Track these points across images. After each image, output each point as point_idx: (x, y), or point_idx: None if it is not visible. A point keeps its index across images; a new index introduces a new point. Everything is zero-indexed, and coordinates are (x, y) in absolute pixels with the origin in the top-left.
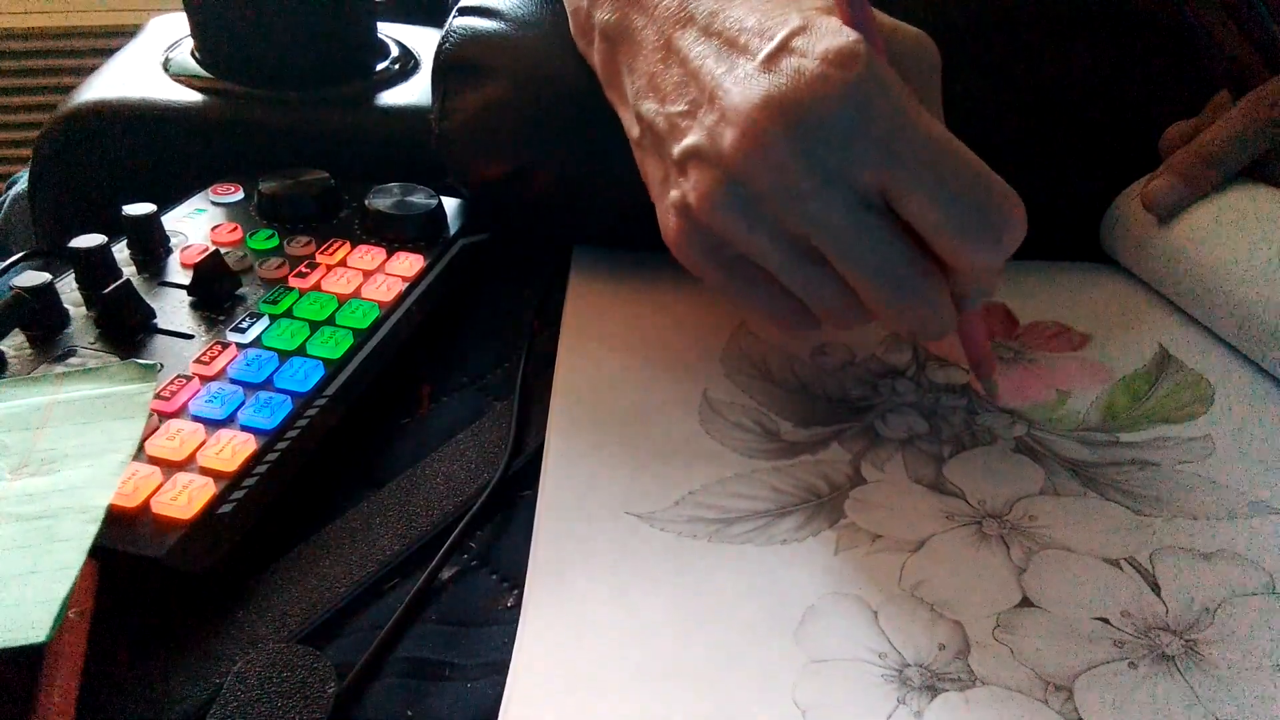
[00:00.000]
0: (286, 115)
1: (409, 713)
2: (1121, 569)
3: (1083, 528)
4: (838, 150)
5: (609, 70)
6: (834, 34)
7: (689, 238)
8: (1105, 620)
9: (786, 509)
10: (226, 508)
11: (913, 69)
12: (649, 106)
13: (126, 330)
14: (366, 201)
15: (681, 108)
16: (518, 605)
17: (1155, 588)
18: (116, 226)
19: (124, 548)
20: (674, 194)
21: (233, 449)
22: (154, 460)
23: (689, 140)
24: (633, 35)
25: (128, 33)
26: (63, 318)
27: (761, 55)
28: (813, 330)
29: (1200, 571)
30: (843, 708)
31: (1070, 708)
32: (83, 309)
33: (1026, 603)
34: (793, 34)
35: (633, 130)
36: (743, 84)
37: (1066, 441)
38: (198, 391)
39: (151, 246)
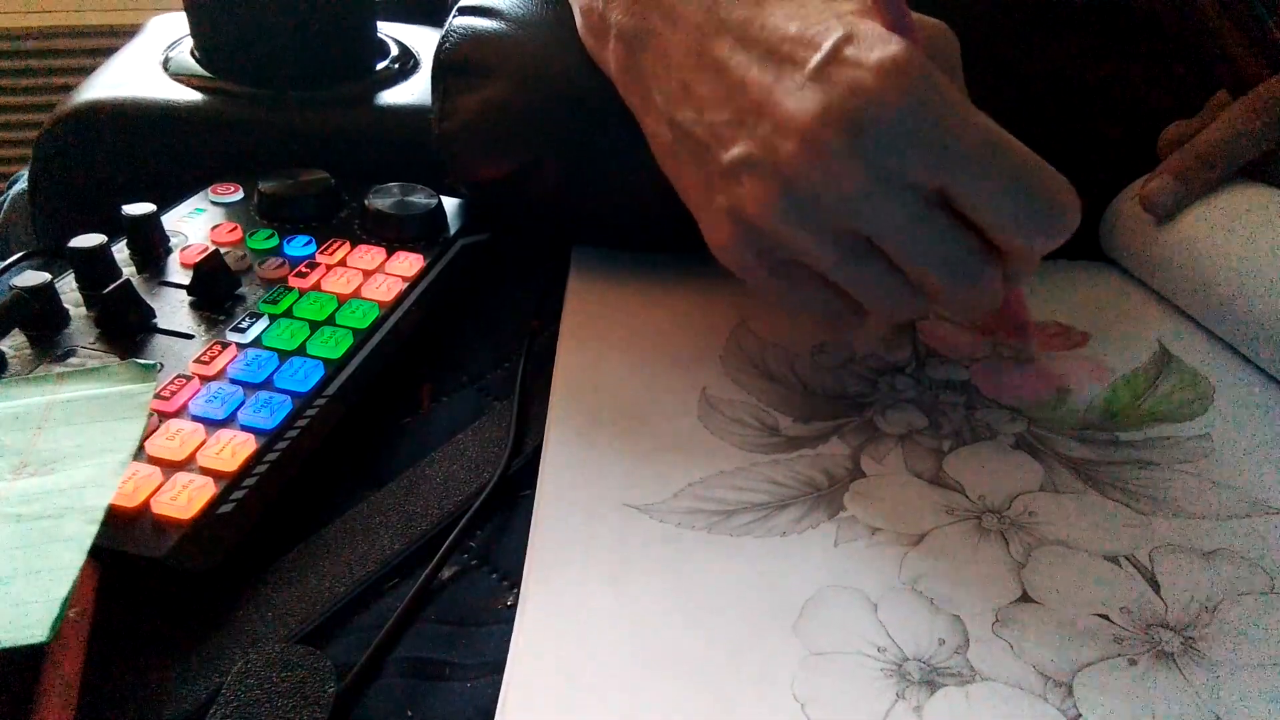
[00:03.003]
0: (286, 115)
1: (409, 713)
2: (1121, 566)
3: (1082, 524)
4: (896, 156)
5: (628, 74)
6: (883, 42)
7: (741, 244)
8: (1105, 617)
9: (785, 501)
10: (226, 508)
11: (940, 60)
12: (687, 115)
13: (126, 330)
14: (366, 201)
15: (725, 117)
16: (517, 604)
17: (1155, 585)
18: (116, 226)
19: (124, 548)
20: (722, 200)
21: (233, 449)
22: (154, 460)
23: (739, 150)
24: (657, 41)
25: (128, 33)
26: (63, 318)
27: (811, 66)
28: (858, 326)
29: (1200, 570)
30: (842, 701)
31: (1070, 704)
32: (83, 309)
33: (1026, 598)
34: (841, 43)
35: (663, 136)
36: (796, 95)
37: (1066, 440)
38: (198, 391)
39: (151, 246)
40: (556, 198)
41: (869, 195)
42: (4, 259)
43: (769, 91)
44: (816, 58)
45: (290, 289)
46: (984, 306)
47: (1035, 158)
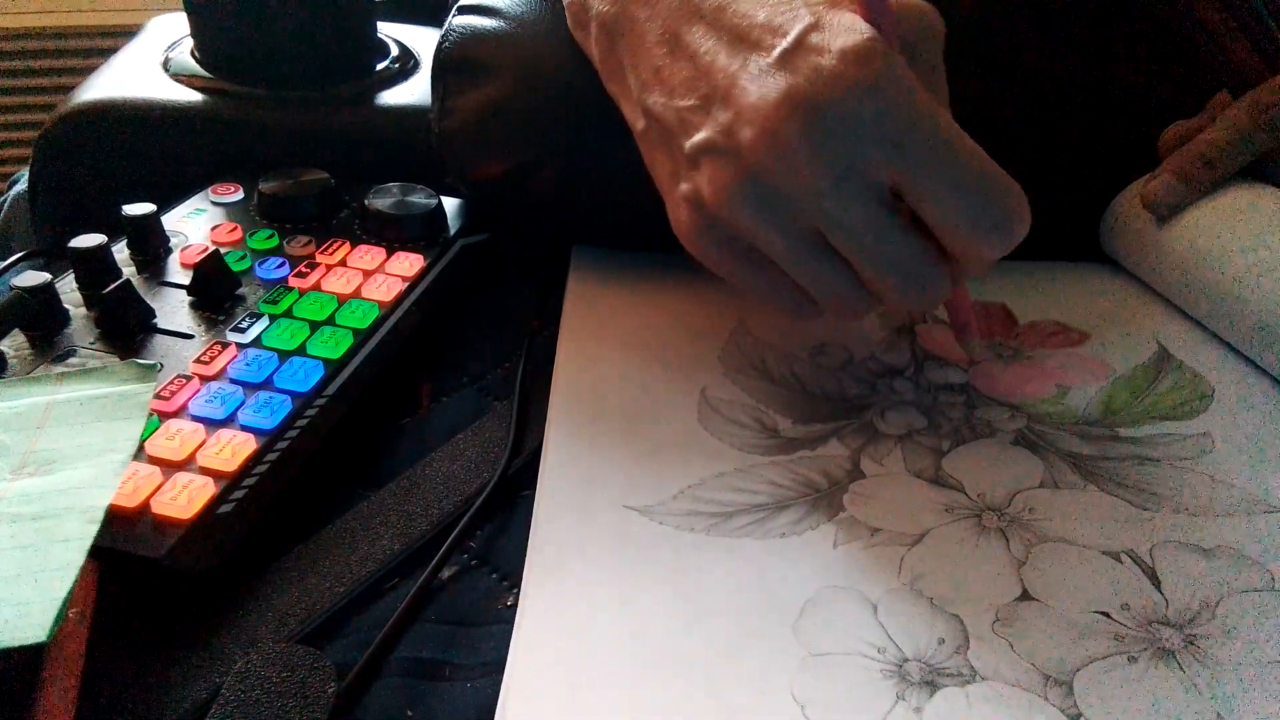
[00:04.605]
0: (286, 115)
1: (409, 713)
2: (1121, 562)
3: (1083, 521)
4: (854, 147)
5: (609, 62)
6: (849, 31)
7: (700, 230)
8: (1105, 614)
9: (785, 503)
10: (226, 508)
11: (919, 42)
12: (656, 100)
13: (126, 330)
14: (366, 201)
15: (691, 102)
16: (517, 604)
17: (1155, 581)
18: (116, 226)
19: (124, 548)
20: (685, 187)
21: (232, 449)
22: (154, 460)
23: (702, 135)
24: (634, 28)
25: (128, 33)
26: (63, 318)
27: (777, 52)
28: (814, 319)
29: (1200, 566)
30: (842, 703)
31: (1070, 703)
32: (83, 309)
33: (1026, 596)
34: (807, 30)
35: (637, 123)
36: (758, 81)
37: (1066, 435)
38: (198, 391)
39: (151, 246)
40: (556, 196)
41: (825, 188)
42: (4, 259)
43: (733, 77)
44: (782, 44)
45: (290, 289)
46: (927, 308)
47: (990, 162)
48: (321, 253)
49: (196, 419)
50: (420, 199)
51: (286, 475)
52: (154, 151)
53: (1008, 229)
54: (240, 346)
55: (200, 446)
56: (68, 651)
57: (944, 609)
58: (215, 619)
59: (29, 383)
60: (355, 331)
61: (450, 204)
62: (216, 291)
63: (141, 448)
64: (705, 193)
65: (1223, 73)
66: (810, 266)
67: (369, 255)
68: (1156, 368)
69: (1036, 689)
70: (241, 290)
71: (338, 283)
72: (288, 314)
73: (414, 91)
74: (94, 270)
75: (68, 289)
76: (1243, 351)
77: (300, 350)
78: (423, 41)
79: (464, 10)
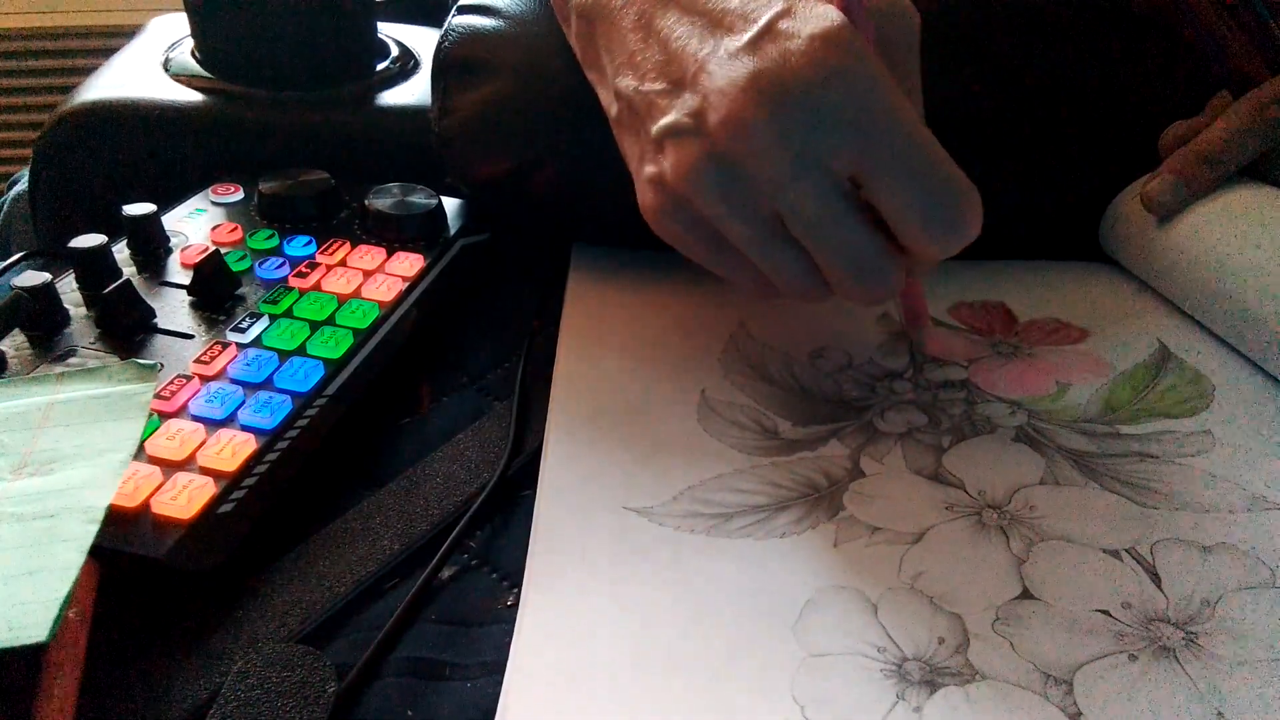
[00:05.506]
0: (286, 115)
1: (409, 713)
2: (1122, 560)
3: (1083, 518)
4: (818, 135)
5: (587, 50)
6: (819, 18)
7: (664, 211)
8: (1106, 612)
9: (785, 503)
10: (227, 507)
11: (894, 36)
12: (627, 83)
13: (126, 330)
14: (366, 201)
15: (661, 86)
16: (517, 604)
17: (1156, 579)
18: (116, 226)
19: (124, 548)
20: (650, 169)
21: (233, 449)
22: (154, 460)
23: (668, 118)
24: (610, 14)
25: (128, 33)
26: (63, 318)
27: (746, 37)
28: (774, 299)
29: (1201, 564)
30: (842, 703)
31: (1070, 701)
32: (83, 309)
33: (1026, 594)
34: (778, 17)
35: (611, 108)
36: (726, 66)
37: (1066, 431)
38: (198, 391)
39: (152, 246)
40: (556, 195)
41: (786, 176)
42: (4, 259)
43: (702, 62)
44: (752, 30)
45: (290, 289)
46: (878, 300)
47: (950, 162)
48: (321, 253)
49: (197, 419)
50: (420, 199)
51: (286, 475)
52: (154, 151)
53: (960, 230)
54: (240, 346)
55: (200, 446)
56: (68, 651)
57: (944, 608)
58: (215, 619)
59: (29, 383)
60: (355, 331)
61: (450, 204)
62: (217, 291)
63: (141, 448)
64: (669, 174)
65: (1223, 73)
66: (769, 252)
67: (369, 255)
68: (1157, 365)
69: (1036, 688)
70: (242, 290)
71: (338, 283)
72: (288, 314)
73: (414, 91)
74: (94, 270)
75: (68, 289)
76: (1242, 350)
77: (300, 350)
78: (423, 41)
79: (464, 10)
